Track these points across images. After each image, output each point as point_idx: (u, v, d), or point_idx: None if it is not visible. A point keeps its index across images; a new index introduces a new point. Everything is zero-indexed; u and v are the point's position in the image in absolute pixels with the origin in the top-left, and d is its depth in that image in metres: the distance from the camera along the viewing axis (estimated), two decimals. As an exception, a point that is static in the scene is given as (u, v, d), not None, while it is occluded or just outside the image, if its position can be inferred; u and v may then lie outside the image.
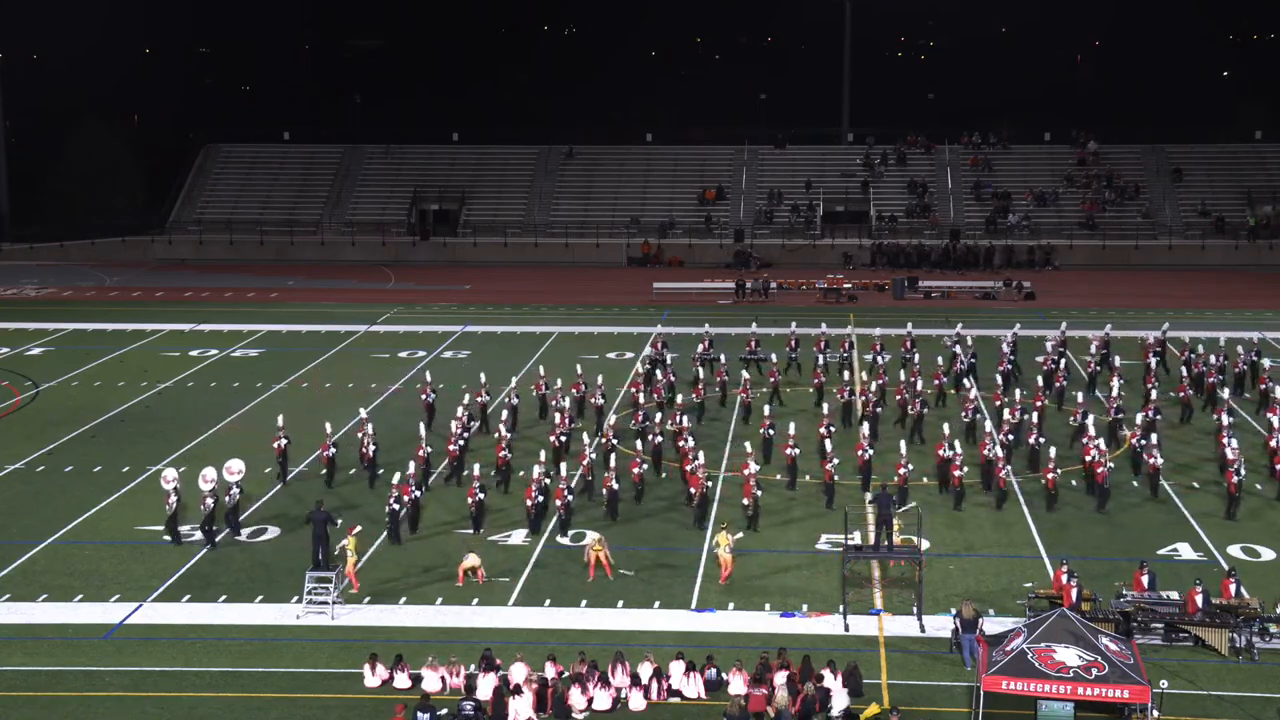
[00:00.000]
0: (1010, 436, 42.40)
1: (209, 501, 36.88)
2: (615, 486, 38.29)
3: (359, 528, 35.35)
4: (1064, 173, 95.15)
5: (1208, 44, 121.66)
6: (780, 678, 27.82)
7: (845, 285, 76.06)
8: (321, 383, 55.22)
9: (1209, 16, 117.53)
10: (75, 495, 41.05)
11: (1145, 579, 31.74)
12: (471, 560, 34.24)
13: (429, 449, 41.30)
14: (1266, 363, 53.15)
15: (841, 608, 32.16)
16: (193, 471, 42.14)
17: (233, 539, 37.28)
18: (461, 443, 42.18)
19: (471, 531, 37.36)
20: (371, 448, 41.56)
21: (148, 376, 55.87)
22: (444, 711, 27.06)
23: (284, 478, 41.55)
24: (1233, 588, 31.34)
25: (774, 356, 53.65)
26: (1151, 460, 40.41)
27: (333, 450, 41.47)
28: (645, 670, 28.58)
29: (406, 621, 32.25)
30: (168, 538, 37.12)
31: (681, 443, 41.73)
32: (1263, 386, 49.76)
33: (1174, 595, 31.65)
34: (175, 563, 35.72)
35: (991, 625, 30.14)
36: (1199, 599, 30.70)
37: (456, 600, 33.35)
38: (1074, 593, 31.01)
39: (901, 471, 39.15)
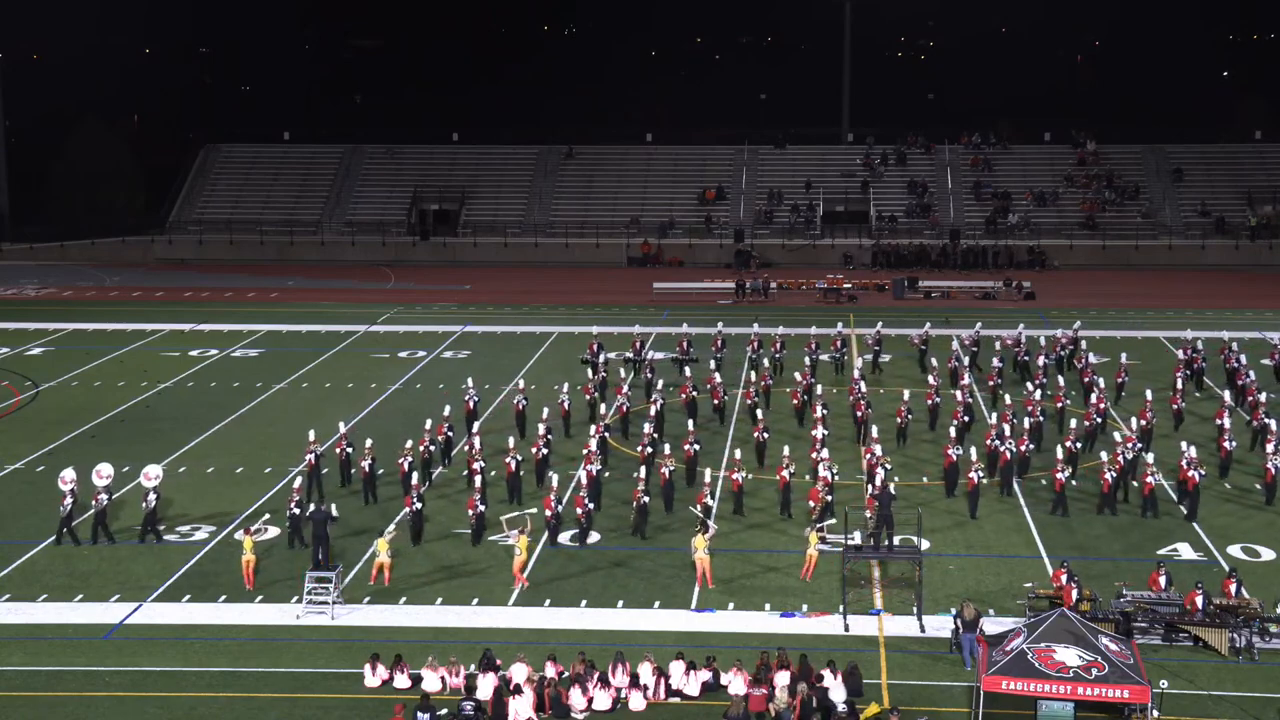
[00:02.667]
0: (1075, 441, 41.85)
1: (102, 498, 37.09)
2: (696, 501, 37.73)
3: (393, 531, 35.49)
4: (1064, 173, 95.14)
5: (1208, 44, 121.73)
6: (780, 678, 27.81)
7: (845, 285, 76.06)
8: (321, 383, 55.22)
9: (1209, 16, 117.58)
10: (75, 495, 40.90)
11: (1162, 579, 31.73)
12: (384, 557, 34.21)
13: (482, 462, 39.85)
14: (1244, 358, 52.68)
15: (841, 608, 32.16)
16: (192, 470, 42.26)
17: (153, 542, 37.16)
18: (434, 448, 41.65)
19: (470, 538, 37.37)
20: (367, 461, 40.36)
21: (148, 376, 55.87)
22: (444, 711, 27.05)
23: (321, 494, 40.22)
24: (1233, 588, 31.34)
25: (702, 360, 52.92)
26: (1148, 479, 39.48)
27: (367, 460, 40.82)
28: (645, 670, 28.57)
29: (406, 621, 32.25)
30: (67, 540, 36.98)
31: (688, 445, 41.28)
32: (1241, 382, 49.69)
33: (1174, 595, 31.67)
34: (175, 563, 35.72)
35: (991, 625, 30.14)
36: (1199, 600, 30.71)
37: (456, 600, 33.35)
38: (1074, 593, 31.02)
39: (971, 475, 38.89)
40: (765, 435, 43.07)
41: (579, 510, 36.92)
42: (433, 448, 41.89)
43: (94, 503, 37.38)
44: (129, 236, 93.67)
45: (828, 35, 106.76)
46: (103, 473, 38.09)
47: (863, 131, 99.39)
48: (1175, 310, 69.76)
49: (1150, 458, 39.79)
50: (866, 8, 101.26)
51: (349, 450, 41.61)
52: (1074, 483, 40.70)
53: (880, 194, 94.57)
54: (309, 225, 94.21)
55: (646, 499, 37.55)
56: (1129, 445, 40.78)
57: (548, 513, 36.79)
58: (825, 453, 39.73)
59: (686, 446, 41.63)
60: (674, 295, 75.45)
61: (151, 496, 37.56)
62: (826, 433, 42.11)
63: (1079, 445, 41.84)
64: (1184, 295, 75.06)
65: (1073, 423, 43.41)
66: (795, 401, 47.64)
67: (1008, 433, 41.23)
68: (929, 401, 46.95)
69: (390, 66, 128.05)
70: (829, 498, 37.25)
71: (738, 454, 40.12)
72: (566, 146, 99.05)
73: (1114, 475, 39.05)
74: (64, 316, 68.77)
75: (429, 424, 42.89)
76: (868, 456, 40.24)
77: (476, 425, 43.90)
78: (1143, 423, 43.82)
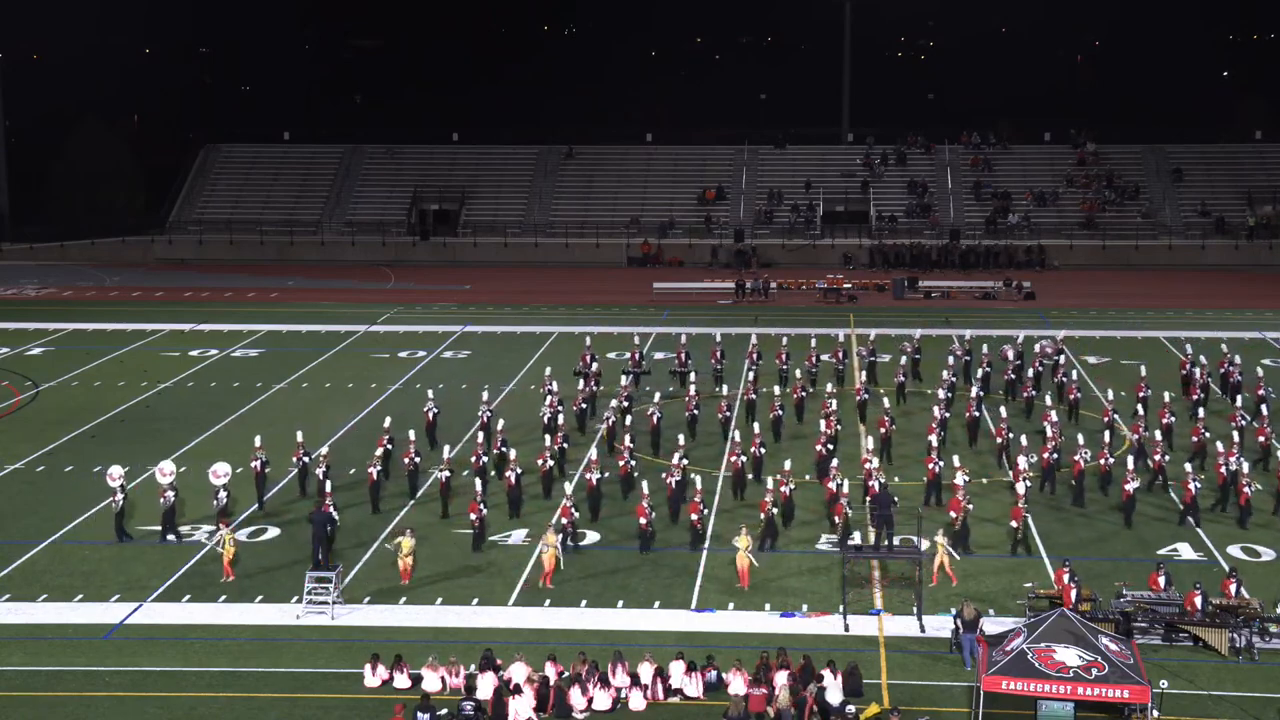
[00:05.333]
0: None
1: (169, 495, 37.15)
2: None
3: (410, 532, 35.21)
4: (1064, 173, 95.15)
5: (1208, 44, 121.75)
6: (780, 678, 27.82)
7: (845, 285, 76.03)
8: (321, 383, 55.21)
9: (1209, 16, 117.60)
10: (75, 495, 41.02)
11: (1161, 579, 31.73)
12: (407, 551, 34.14)
13: (445, 473, 39.57)
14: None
15: (841, 608, 32.17)
16: (193, 470, 42.18)
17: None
18: (418, 459, 40.80)
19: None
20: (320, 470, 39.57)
21: (148, 376, 55.87)
22: (444, 711, 27.05)
23: (261, 501, 39.86)
24: (1233, 588, 31.34)
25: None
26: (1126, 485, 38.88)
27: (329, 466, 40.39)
28: (645, 670, 28.58)
29: (406, 621, 32.25)
30: (118, 537, 37.19)
31: (734, 456, 40.50)
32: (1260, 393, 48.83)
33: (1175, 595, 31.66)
34: (175, 563, 35.73)
35: (991, 625, 30.14)
36: (1198, 600, 30.70)
37: (456, 600, 33.35)
38: (1073, 593, 31.01)
39: (1021, 494, 37.82)
40: (761, 450, 41.88)
41: (472, 516, 36.47)
42: (418, 459, 40.77)
43: (161, 500, 37.44)
44: (129, 236, 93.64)
45: (828, 35, 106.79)
46: (165, 470, 38.12)
47: (863, 131, 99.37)
48: (1175, 310, 69.74)
49: (1246, 467, 39.31)
50: (866, 8, 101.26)
51: (306, 459, 40.95)
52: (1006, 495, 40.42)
53: (880, 194, 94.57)
54: (309, 225, 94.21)
55: (776, 510, 36.74)
56: (1231, 459, 39.44)
57: (642, 520, 36.12)
58: (876, 462, 39.23)
59: (734, 459, 40.64)
60: (674, 295, 75.43)
61: (222, 494, 37.61)
62: (832, 443, 41.59)
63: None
64: (1184, 295, 75.04)
65: (1080, 438, 42.36)
66: (772, 415, 45.71)
67: (1081, 441, 40.54)
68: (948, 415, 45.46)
69: (390, 66, 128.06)
70: (969, 507, 36.49)
71: (787, 464, 39.07)
72: (566, 146, 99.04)
73: (1198, 486, 38.20)
74: (64, 316, 68.74)
75: (411, 434, 42.10)
76: (931, 465, 39.51)
77: (481, 434, 43.38)
78: (1260, 439, 42.82)
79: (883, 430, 43.59)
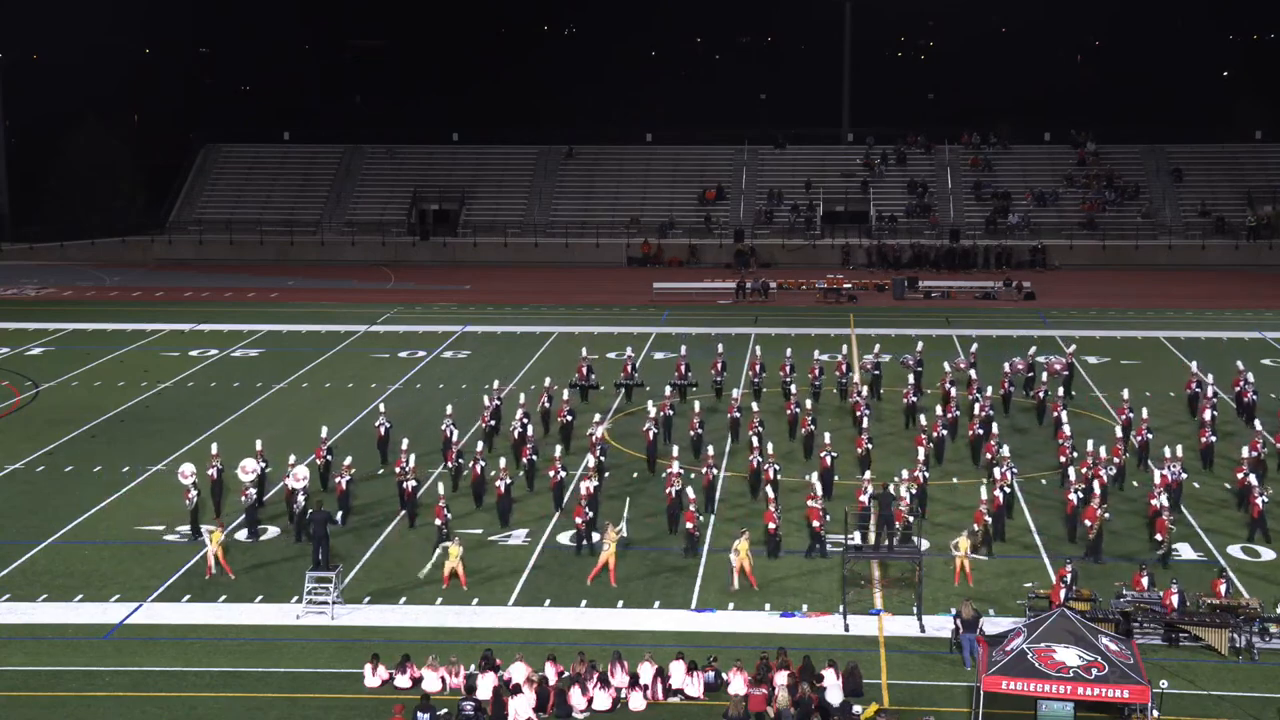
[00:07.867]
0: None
1: (251, 492, 37.48)
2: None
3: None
4: (1064, 173, 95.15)
5: (1208, 44, 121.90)
6: (780, 678, 27.83)
7: (845, 285, 76.01)
8: (321, 383, 55.22)
9: (1209, 16, 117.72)
10: (75, 495, 41.03)
11: (1145, 579, 31.73)
12: (454, 561, 34.07)
13: (412, 481, 39.05)
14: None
15: (841, 608, 32.17)
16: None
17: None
18: (407, 469, 39.94)
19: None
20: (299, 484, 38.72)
21: (148, 376, 55.87)
22: (444, 711, 27.06)
23: (218, 510, 38.99)
24: (1223, 588, 31.37)
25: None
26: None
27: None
28: (645, 670, 28.58)
29: (406, 621, 32.26)
30: (188, 532, 37.36)
31: (767, 468, 39.74)
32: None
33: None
34: (175, 563, 35.71)
35: (991, 625, 30.15)
36: (1174, 599, 30.66)
37: (456, 600, 33.34)
38: (1062, 592, 31.04)
39: (1070, 497, 37.46)
40: (765, 465, 40.53)
41: (579, 520, 36.40)
42: (407, 468, 39.99)
43: (243, 498, 37.60)
44: (129, 236, 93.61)
45: (828, 35, 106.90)
46: (248, 468, 38.13)
47: (863, 131, 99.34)
48: (1175, 310, 69.74)
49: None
50: (866, 8, 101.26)
51: (264, 466, 40.05)
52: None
53: (880, 194, 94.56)
54: (309, 225, 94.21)
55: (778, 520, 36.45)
56: None
57: (771, 525, 35.35)
58: (926, 472, 38.84)
59: (767, 469, 40.05)
60: (674, 295, 75.41)
61: (300, 498, 37.47)
62: (874, 453, 41.19)
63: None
64: (1184, 295, 75.02)
65: (1166, 450, 40.33)
66: (752, 431, 43.61)
67: (1167, 455, 39.46)
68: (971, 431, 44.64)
69: (390, 66, 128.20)
70: (1106, 516, 36.18)
71: (813, 479, 38.41)
72: (566, 146, 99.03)
73: (1265, 500, 37.49)
74: (64, 316, 68.74)
75: (405, 443, 41.30)
76: (998, 472, 38.74)
77: (481, 444, 42.71)
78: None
79: (920, 448, 41.40)
